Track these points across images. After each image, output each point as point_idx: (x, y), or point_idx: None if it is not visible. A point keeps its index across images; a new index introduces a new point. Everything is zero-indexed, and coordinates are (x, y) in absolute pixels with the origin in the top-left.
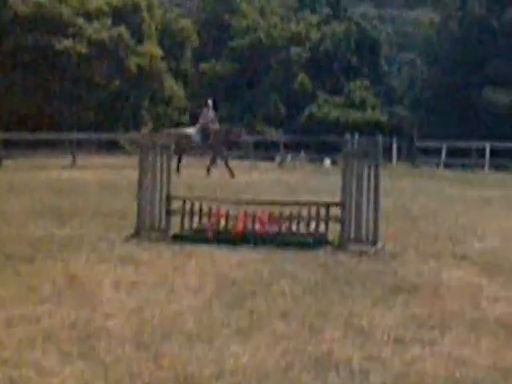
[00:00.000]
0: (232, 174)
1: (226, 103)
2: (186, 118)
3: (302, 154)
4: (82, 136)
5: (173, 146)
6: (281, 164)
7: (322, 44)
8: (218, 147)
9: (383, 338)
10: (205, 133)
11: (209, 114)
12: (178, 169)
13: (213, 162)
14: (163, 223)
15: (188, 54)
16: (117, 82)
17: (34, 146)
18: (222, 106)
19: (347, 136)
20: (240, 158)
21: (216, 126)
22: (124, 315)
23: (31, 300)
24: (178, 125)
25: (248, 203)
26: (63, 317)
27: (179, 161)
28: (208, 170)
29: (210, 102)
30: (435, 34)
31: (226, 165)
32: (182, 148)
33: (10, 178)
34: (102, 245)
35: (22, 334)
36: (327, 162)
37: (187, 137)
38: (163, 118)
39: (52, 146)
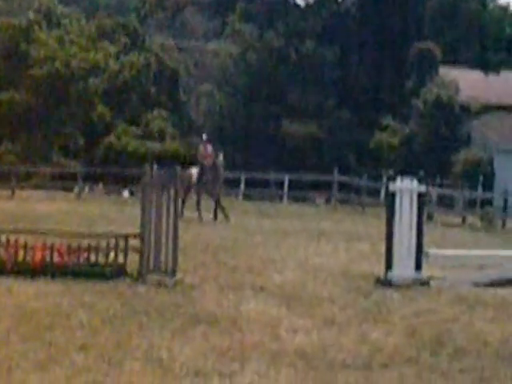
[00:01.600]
0: (226, 217)
1: (24, 134)
2: None
3: (100, 185)
4: None
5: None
6: (79, 195)
7: (120, 74)
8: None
9: (182, 370)
10: (201, 171)
11: (205, 150)
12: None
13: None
14: None
15: None
16: None
17: None
18: (20, 136)
19: (147, 167)
20: (36, 187)
21: (212, 162)
22: None
23: None
24: None
25: (47, 234)
26: None
27: (183, 202)
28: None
29: (204, 136)
30: (233, 65)
31: (216, 205)
32: (185, 189)
33: None
34: None
35: None
36: (125, 193)
37: (190, 176)
38: None
39: None
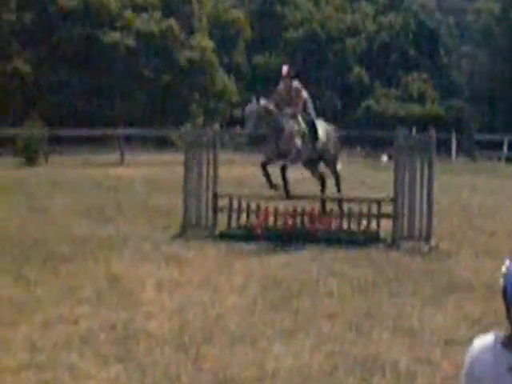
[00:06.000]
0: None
1: None
2: (238, 113)
3: (358, 149)
4: (130, 132)
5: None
6: None
7: (378, 35)
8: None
9: (432, 339)
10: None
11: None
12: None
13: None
14: (210, 221)
15: (241, 46)
16: (166, 76)
17: (83, 143)
18: None
19: (399, 130)
20: None
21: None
22: (165, 316)
23: (70, 301)
24: (231, 121)
25: (298, 199)
26: (102, 318)
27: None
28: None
29: (285, 68)
30: (495, 24)
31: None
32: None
33: (55, 174)
34: (147, 244)
35: (58, 335)
36: (384, 157)
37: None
38: (215, 112)
39: (100, 142)
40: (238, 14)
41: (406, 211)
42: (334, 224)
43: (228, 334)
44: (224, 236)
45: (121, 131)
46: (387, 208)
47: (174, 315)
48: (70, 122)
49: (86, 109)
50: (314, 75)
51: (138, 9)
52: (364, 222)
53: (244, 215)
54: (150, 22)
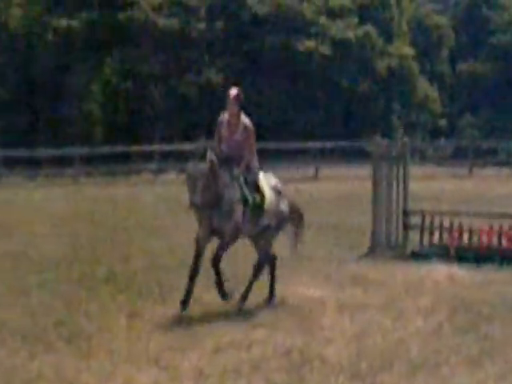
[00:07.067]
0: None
1: (486, 107)
2: (442, 123)
3: None
4: (326, 144)
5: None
6: None
7: None
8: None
9: None
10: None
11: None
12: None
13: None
14: (400, 239)
15: (444, 53)
16: (364, 85)
17: (276, 156)
18: (482, 110)
19: None
20: (499, 165)
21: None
22: (344, 341)
23: (244, 325)
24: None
25: (494, 217)
26: (277, 343)
27: None
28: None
29: (234, 91)
30: None
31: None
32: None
33: None
34: (331, 263)
35: (228, 362)
36: None
37: None
38: (416, 123)
39: (294, 155)
40: (441, 18)
41: None
42: None
43: (408, 360)
44: (415, 255)
45: (316, 144)
46: None
47: (353, 340)
48: (263, 135)
49: (280, 120)
50: None
51: (333, 15)
52: None
53: (437, 233)
54: (346, 29)
